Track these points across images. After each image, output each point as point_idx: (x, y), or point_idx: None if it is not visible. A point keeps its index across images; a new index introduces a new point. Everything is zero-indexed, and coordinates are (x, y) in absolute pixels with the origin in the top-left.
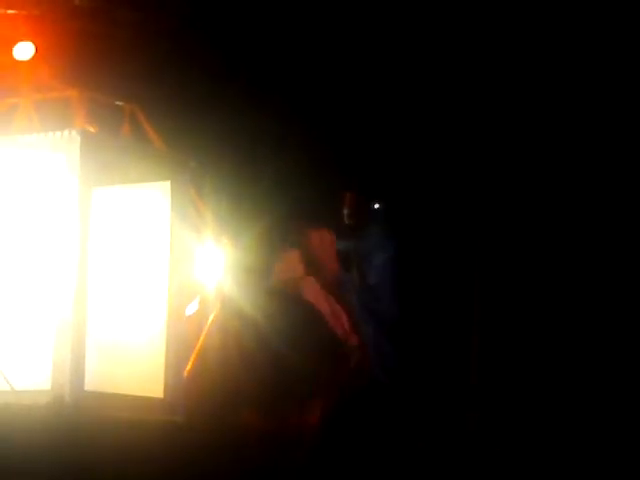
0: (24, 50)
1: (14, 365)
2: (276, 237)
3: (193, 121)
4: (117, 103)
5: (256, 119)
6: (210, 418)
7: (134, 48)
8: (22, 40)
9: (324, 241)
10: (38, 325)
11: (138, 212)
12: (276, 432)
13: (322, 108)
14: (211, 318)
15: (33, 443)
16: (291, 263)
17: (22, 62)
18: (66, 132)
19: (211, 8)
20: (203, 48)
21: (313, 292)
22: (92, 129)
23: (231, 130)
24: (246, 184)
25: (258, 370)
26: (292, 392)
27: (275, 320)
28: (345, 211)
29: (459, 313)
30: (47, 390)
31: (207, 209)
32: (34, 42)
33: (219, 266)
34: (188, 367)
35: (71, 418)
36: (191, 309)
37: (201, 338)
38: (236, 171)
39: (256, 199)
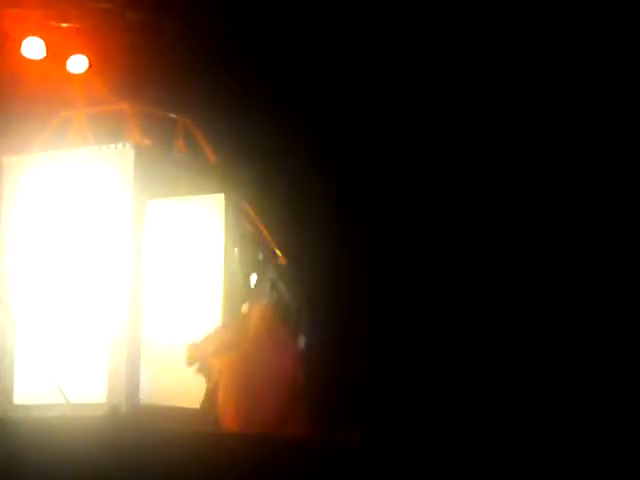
0: (78, 63)
1: (70, 378)
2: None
3: (247, 134)
4: (170, 116)
5: (309, 133)
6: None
7: (188, 61)
8: (76, 53)
9: None
10: (94, 338)
11: (191, 224)
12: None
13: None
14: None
15: (89, 455)
16: None
17: (76, 75)
18: (120, 145)
19: (256, 23)
20: (256, 63)
21: None
22: (145, 142)
23: (285, 143)
24: (300, 197)
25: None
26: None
27: None
28: None
29: (518, 297)
30: (103, 403)
31: (260, 221)
32: (88, 55)
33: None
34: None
35: (126, 430)
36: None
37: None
38: (290, 184)
39: (309, 212)
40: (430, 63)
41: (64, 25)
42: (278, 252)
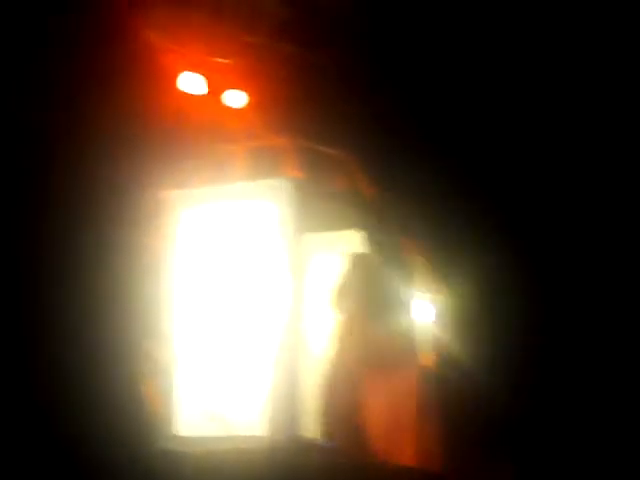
0: (236, 98)
1: (232, 410)
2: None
3: (405, 169)
4: (328, 150)
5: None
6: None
7: (346, 95)
8: (234, 88)
9: None
10: (254, 370)
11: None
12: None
13: None
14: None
15: None
16: None
17: (235, 110)
18: (278, 180)
19: (412, 57)
20: (416, 97)
21: None
22: (303, 177)
23: (442, 179)
24: (461, 234)
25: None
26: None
27: None
28: None
29: None
30: (264, 436)
31: (419, 257)
32: (246, 90)
33: (429, 314)
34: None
35: (287, 464)
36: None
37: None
38: (449, 221)
39: (470, 247)
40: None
41: (222, 61)
42: (440, 286)
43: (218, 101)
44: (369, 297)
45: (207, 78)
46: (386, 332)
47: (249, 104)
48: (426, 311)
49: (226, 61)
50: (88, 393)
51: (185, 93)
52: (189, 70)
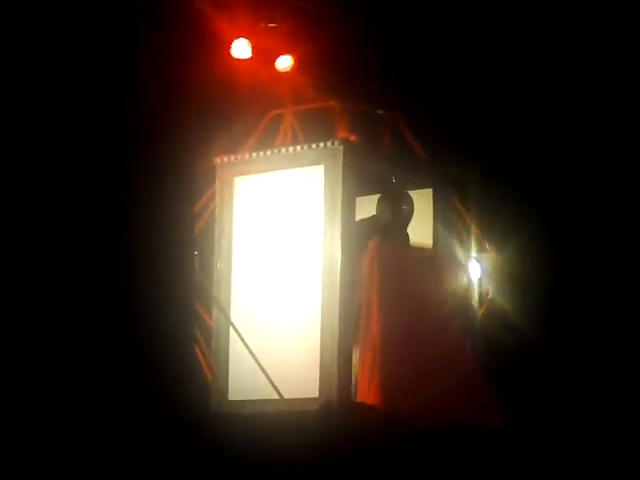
0: (285, 62)
1: (283, 374)
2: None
3: (455, 128)
4: (378, 112)
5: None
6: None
7: (393, 57)
8: (283, 53)
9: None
10: (306, 333)
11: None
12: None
13: None
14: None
15: (303, 450)
16: None
17: (283, 74)
18: (329, 143)
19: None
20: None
21: None
22: (353, 139)
23: (495, 136)
24: (510, 191)
25: None
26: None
27: None
28: None
29: None
30: (316, 397)
31: (470, 216)
32: (294, 54)
33: (481, 273)
34: None
35: (339, 425)
36: None
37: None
38: (499, 178)
39: (521, 206)
40: None
41: (271, 25)
42: (489, 247)
43: (267, 65)
44: (420, 257)
45: (254, 43)
46: (437, 291)
47: (298, 68)
48: (475, 269)
49: (273, 25)
50: (144, 357)
51: (235, 59)
52: (237, 35)
